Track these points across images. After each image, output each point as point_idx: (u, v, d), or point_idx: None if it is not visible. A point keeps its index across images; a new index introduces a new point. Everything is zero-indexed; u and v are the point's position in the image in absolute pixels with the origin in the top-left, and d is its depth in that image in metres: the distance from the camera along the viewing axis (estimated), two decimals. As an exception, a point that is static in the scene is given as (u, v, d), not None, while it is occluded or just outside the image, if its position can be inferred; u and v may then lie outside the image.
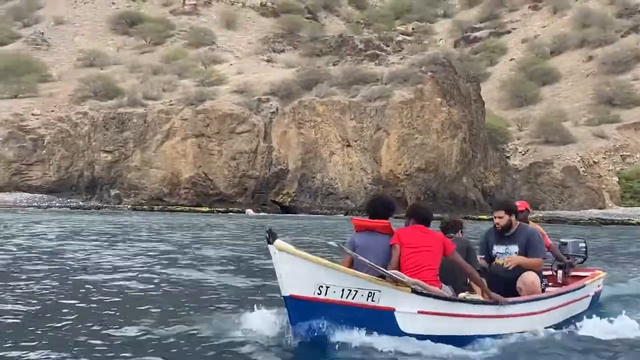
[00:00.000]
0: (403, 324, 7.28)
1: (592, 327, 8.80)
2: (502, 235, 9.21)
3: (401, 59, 73.41)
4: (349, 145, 63.31)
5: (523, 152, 74.33)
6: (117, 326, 8.52)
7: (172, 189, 63.73)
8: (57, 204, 61.02)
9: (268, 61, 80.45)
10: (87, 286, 12.00)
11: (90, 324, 8.73)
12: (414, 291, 7.34)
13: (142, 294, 11.58)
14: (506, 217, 9.14)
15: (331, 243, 7.73)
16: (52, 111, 68.13)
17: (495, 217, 9.35)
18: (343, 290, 6.98)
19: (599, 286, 10.74)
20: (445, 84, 64.00)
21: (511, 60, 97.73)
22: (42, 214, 47.86)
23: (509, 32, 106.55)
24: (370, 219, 8.33)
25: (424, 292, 7.46)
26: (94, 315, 9.48)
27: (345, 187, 62.01)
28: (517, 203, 10.60)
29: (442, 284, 8.10)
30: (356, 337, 7.06)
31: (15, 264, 15.34)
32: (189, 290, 12.05)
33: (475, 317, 7.88)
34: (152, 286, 12.37)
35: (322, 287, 6.90)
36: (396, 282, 7.30)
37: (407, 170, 61.56)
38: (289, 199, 62.96)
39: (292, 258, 6.76)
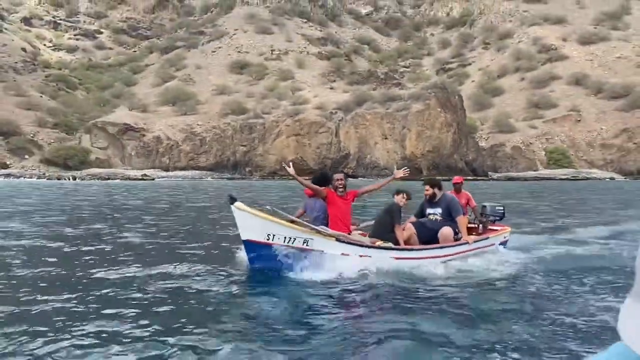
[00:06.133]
0: (330, 262, 6.33)
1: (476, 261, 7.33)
2: (431, 201, 7.92)
3: (415, 85, 75.37)
4: (386, 138, 65.49)
5: (486, 138, 76.06)
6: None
7: (281, 167, 67.19)
8: (216, 176, 64.11)
9: (331, 88, 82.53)
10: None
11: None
12: (337, 239, 6.48)
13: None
14: (431, 190, 7.85)
15: (267, 207, 6.60)
16: (209, 122, 70.81)
17: (425, 190, 7.96)
18: (285, 237, 6.20)
19: (505, 237, 8.86)
20: (442, 99, 65.57)
21: (473, 81, 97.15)
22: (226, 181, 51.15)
23: (470, 64, 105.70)
24: None
25: (345, 240, 6.57)
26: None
27: (384, 162, 64.15)
28: (455, 177, 9.47)
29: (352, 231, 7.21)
30: (296, 270, 6.21)
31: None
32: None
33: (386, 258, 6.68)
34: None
35: (270, 234, 6.14)
36: (324, 233, 6.45)
37: (422, 152, 63.71)
38: (351, 171, 64.42)
39: (247, 215, 6.01)
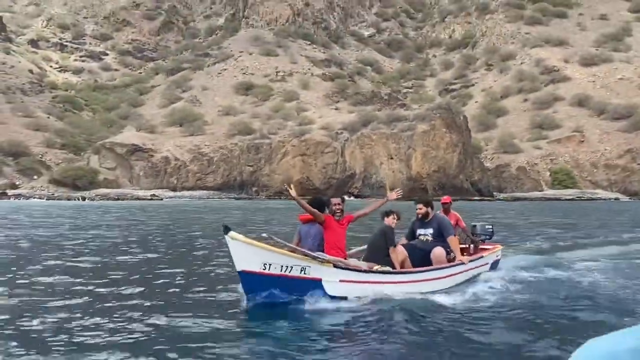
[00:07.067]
0: (329, 289, 6.28)
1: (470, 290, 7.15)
2: (423, 221, 7.82)
3: (420, 106, 76.17)
4: (392, 158, 66.13)
5: (491, 159, 76.71)
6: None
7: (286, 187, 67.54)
8: (223, 197, 64.77)
9: (336, 109, 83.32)
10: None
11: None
12: (335, 265, 6.37)
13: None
14: (424, 209, 7.79)
15: (263, 234, 6.38)
16: (216, 143, 71.64)
17: (417, 209, 7.85)
18: (282, 266, 6.04)
19: (497, 256, 8.99)
20: (448, 120, 66.36)
21: (476, 102, 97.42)
22: (235, 202, 51.37)
23: (473, 85, 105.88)
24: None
25: (343, 265, 6.50)
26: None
27: (390, 183, 62.19)
28: (443, 197, 9.37)
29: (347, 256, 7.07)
30: (294, 299, 6.07)
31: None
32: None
33: (384, 282, 6.61)
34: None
35: (266, 264, 5.95)
36: (321, 260, 6.33)
37: (427, 172, 64.29)
38: (357, 191, 65.88)
39: (242, 244, 5.84)
